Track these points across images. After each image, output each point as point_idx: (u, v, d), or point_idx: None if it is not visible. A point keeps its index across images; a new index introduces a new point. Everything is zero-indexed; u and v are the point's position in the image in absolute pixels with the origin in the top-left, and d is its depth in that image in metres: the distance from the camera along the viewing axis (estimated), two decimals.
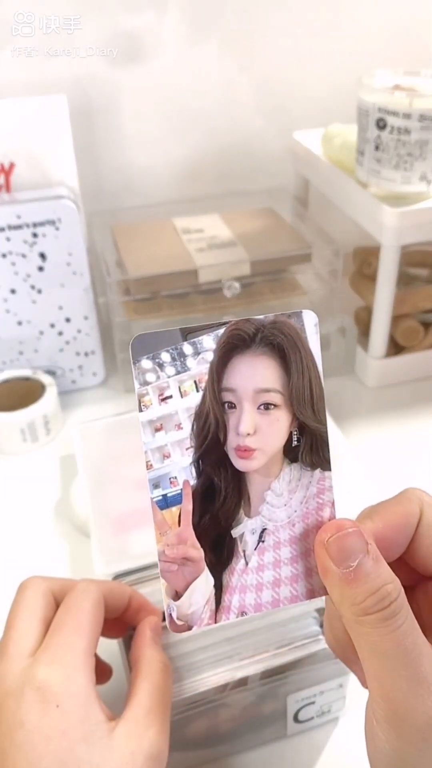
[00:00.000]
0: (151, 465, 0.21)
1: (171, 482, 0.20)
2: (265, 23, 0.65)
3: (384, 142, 0.50)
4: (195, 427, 0.21)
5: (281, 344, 0.20)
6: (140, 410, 0.21)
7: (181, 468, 0.21)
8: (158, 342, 0.20)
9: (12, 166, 0.56)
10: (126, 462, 0.45)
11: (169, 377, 0.20)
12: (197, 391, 0.20)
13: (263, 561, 0.22)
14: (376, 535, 0.23)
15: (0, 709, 0.25)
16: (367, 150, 0.52)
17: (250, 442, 0.21)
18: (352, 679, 0.35)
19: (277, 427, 0.22)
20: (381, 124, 0.50)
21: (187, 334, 0.20)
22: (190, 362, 0.21)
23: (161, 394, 0.20)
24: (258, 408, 0.21)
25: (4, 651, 0.27)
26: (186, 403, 0.21)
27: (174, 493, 0.20)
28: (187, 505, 0.21)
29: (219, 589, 0.22)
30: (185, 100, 0.67)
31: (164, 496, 0.20)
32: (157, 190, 0.70)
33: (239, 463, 0.21)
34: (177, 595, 0.22)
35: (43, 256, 0.54)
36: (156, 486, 0.20)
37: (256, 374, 0.21)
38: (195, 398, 0.21)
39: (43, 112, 0.55)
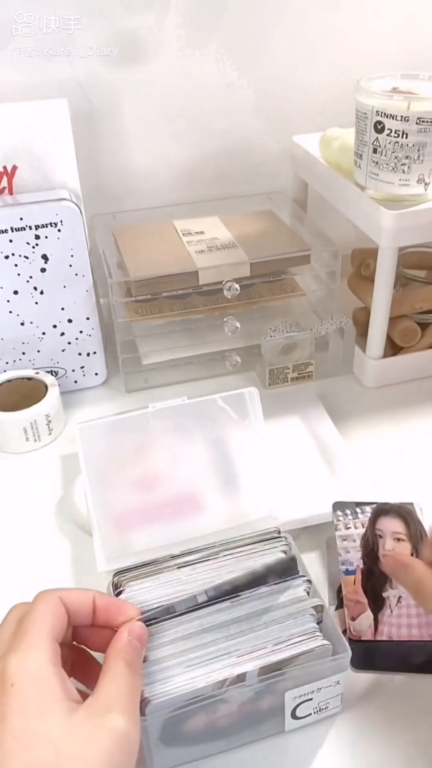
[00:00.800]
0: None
1: (351, 565, 0.41)
2: (264, 26, 0.65)
3: (382, 145, 0.51)
4: (362, 542, 0.42)
5: (405, 514, 0.43)
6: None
7: (357, 560, 0.41)
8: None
9: (14, 168, 0.57)
10: (127, 461, 0.45)
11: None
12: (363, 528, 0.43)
13: (400, 612, 0.39)
14: None
15: None
16: (365, 153, 0.53)
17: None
18: (349, 676, 0.35)
19: (404, 549, 0.42)
20: (379, 127, 0.50)
21: (357, 505, 0.45)
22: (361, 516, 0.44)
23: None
24: (394, 540, 0.42)
25: None
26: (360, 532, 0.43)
27: (352, 569, 0.41)
28: (359, 576, 0.40)
29: (375, 623, 0.39)
30: (185, 102, 0.67)
31: (347, 570, 0.41)
32: (158, 193, 0.71)
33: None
34: (353, 619, 0.39)
35: (45, 257, 0.55)
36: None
37: (393, 525, 0.43)
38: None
39: (45, 116, 0.56)
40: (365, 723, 0.35)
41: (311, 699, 0.34)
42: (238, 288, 0.59)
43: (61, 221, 0.53)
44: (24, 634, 0.28)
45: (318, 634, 0.34)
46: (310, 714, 0.35)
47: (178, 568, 0.36)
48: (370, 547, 0.41)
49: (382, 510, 0.43)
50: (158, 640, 0.33)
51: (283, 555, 0.37)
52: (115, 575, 0.37)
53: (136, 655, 0.30)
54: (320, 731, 0.36)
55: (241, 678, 0.31)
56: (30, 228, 0.53)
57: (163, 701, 0.30)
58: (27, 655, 0.27)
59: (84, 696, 0.28)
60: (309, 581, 0.36)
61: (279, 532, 0.39)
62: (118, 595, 0.35)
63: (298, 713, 0.34)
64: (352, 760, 0.34)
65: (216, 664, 0.32)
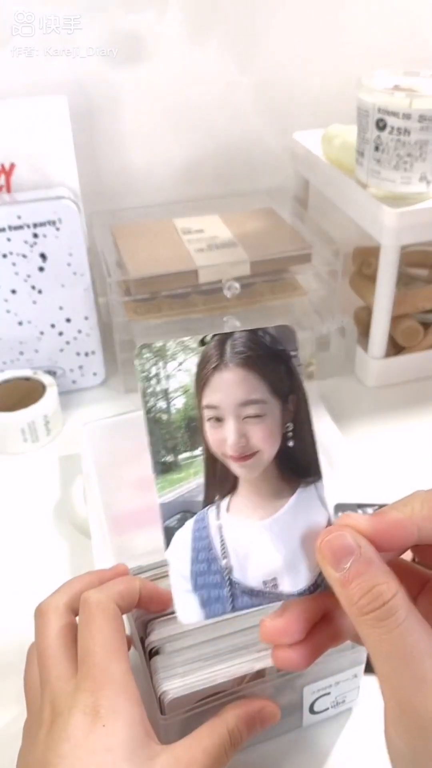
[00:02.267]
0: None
1: None
2: (265, 23, 0.65)
3: (384, 142, 0.50)
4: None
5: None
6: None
7: None
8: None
9: (12, 166, 0.56)
10: (127, 461, 0.45)
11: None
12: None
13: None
14: (380, 533, 0.23)
15: (50, 729, 0.26)
16: (366, 150, 0.52)
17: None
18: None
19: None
20: (381, 125, 0.50)
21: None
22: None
23: None
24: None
25: (47, 679, 0.28)
26: None
27: None
28: None
29: None
30: (185, 100, 0.67)
31: None
32: (158, 191, 0.70)
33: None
34: None
35: (43, 256, 0.54)
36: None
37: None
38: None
39: (44, 113, 0.56)
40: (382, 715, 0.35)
41: (329, 693, 0.33)
42: (239, 287, 0.58)
43: (60, 219, 0.53)
44: (102, 668, 0.27)
45: None
46: (328, 708, 0.34)
47: None
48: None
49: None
50: (175, 631, 0.32)
51: None
52: None
53: (242, 735, 0.29)
54: (338, 725, 0.35)
55: (260, 674, 0.31)
56: (28, 226, 0.53)
57: (182, 697, 0.30)
58: (118, 699, 0.26)
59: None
60: None
61: None
62: None
63: (316, 708, 0.34)
64: (369, 753, 0.34)
65: (236, 659, 0.31)
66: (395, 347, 0.62)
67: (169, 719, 0.30)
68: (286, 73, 0.68)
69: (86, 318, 0.58)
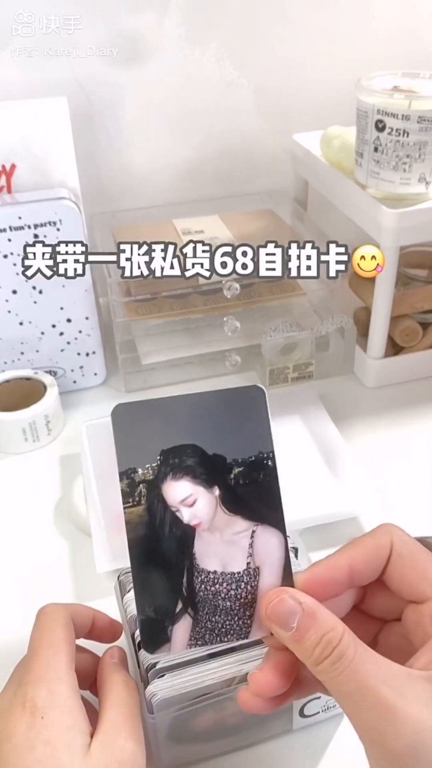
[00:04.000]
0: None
1: None
2: (264, 25, 0.65)
3: (383, 143, 0.51)
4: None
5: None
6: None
7: None
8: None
9: (13, 167, 0.56)
10: None
11: None
12: None
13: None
14: (312, 584, 0.25)
15: None
16: (366, 151, 0.52)
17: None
18: None
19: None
20: (380, 126, 0.50)
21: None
22: None
23: None
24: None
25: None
26: None
27: None
28: None
29: None
30: (185, 101, 0.67)
31: None
32: (158, 192, 0.71)
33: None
34: None
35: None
36: None
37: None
38: None
39: (44, 114, 0.56)
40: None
41: (319, 697, 0.33)
42: (238, 287, 0.58)
43: (60, 220, 0.53)
44: (45, 662, 0.28)
45: None
46: (318, 712, 0.34)
47: None
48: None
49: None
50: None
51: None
52: (120, 575, 0.36)
53: (128, 676, 0.31)
54: (328, 730, 0.35)
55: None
56: (29, 227, 0.53)
57: (170, 698, 0.30)
58: (56, 689, 0.27)
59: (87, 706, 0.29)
60: None
61: None
62: (126, 594, 0.35)
63: (306, 711, 0.34)
64: (359, 759, 0.34)
65: (224, 661, 0.31)
66: (394, 347, 0.62)
67: (158, 719, 0.30)
68: (285, 74, 0.68)
69: (87, 318, 0.58)
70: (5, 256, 0.54)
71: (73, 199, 0.55)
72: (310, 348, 0.61)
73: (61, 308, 0.57)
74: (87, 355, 0.60)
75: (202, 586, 0.25)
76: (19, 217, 0.52)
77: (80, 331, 0.59)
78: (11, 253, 0.54)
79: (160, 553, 0.25)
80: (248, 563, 0.26)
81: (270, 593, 0.25)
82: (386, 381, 0.61)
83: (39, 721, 0.26)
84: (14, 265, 0.54)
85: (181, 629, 0.25)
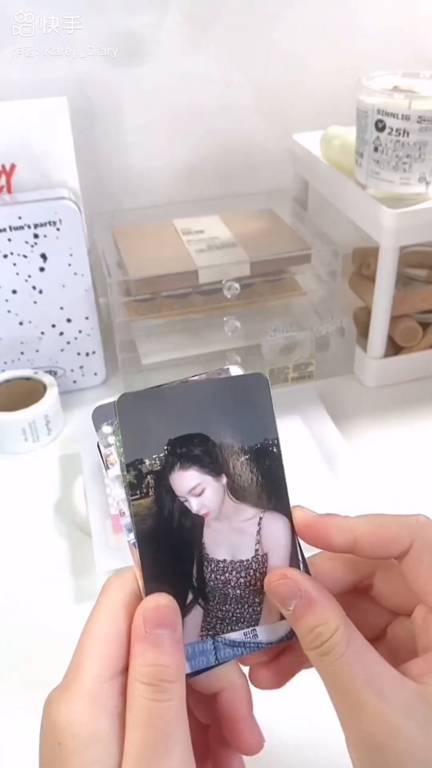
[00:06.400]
0: (124, 513, 0.25)
1: None
2: (264, 25, 0.65)
3: (383, 143, 0.51)
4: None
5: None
6: (107, 468, 0.25)
7: None
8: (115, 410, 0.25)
9: (13, 167, 0.56)
10: None
11: None
12: None
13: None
14: (310, 527, 0.25)
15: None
16: (366, 151, 0.52)
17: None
18: None
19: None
20: (380, 126, 0.50)
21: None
22: None
23: None
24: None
25: None
26: None
27: None
28: None
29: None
30: (185, 101, 0.67)
31: None
32: (158, 191, 0.71)
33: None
34: None
35: (44, 256, 0.54)
36: (130, 530, 0.24)
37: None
38: None
39: (44, 114, 0.56)
40: None
41: None
42: (238, 287, 0.58)
43: (60, 220, 0.53)
44: (75, 669, 0.22)
45: None
46: None
47: None
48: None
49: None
50: None
51: None
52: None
53: (159, 670, 0.22)
54: None
55: None
56: (29, 227, 0.53)
57: None
58: (77, 709, 0.21)
59: None
60: None
61: None
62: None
63: None
64: None
65: None
66: (394, 347, 0.62)
67: None
68: (285, 74, 0.68)
69: (87, 318, 0.58)
70: (5, 256, 0.54)
71: (73, 198, 0.55)
72: (310, 348, 0.61)
73: (61, 308, 0.57)
74: (87, 355, 0.60)
75: (212, 576, 0.25)
76: (19, 217, 0.52)
77: (80, 331, 0.59)
78: (11, 253, 0.54)
79: (169, 544, 0.25)
80: (256, 550, 0.25)
81: (273, 573, 0.25)
82: (386, 381, 0.61)
83: (56, 748, 0.21)
84: (14, 265, 0.54)
85: (193, 620, 0.25)
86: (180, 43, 0.64)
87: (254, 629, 0.25)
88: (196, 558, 0.25)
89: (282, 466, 0.26)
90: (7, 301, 0.56)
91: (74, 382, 0.61)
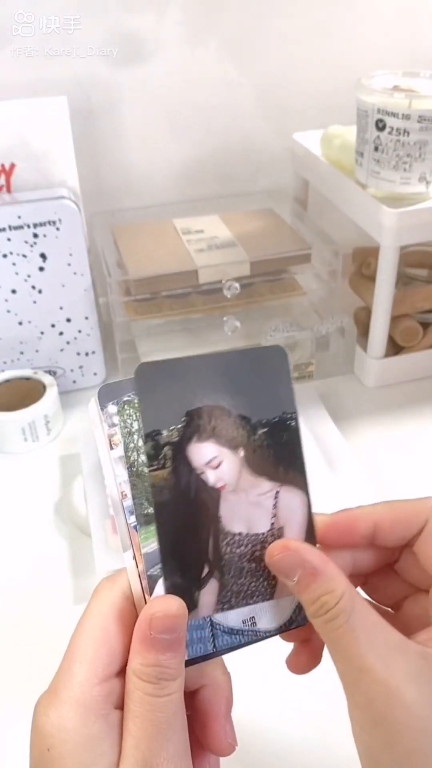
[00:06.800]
0: (126, 494, 0.24)
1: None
2: (264, 24, 0.65)
3: (383, 143, 0.51)
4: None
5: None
6: (111, 448, 0.24)
7: None
8: (122, 390, 0.24)
9: (12, 166, 0.56)
10: None
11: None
12: None
13: None
14: (332, 526, 0.25)
15: None
16: (366, 151, 0.52)
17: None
18: None
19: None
20: (380, 125, 0.50)
21: None
22: None
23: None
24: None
25: None
26: None
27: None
28: None
29: None
30: (185, 100, 0.67)
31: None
32: (158, 191, 0.71)
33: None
34: None
35: (43, 256, 0.54)
36: (132, 513, 0.24)
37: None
38: None
39: (44, 113, 0.56)
40: None
41: None
42: (238, 287, 0.58)
43: (60, 220, 0.53)
44: (64, 673, 0.22)
45: None
46: None
47: None
48: None
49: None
50: None
51: None
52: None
53: (159, 673, 0.22)
54: None
55: None
56: (28, 226, 0.53)
57: None
58: (65, 714, 0.21)
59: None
60: None
61: None
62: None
63: None
64: None
65: None
66: (394, 347, 0.62)
67: None
68: (286, 73, 0.68)
69: (86, 318, 0.58)
70: (5, 256, 0.54)
71: (72, 198, 0.55)
72: (310, 348, 0.61)
73: (61, 308, 0.57)
74: (87, 354, 0.60)
75: (228, 549, 0.25)
76: (19, 217, 0.52)
77: (80, 331, 0.59)
78: (11, 253, 0.54)
79: (186, 516, 0.24)
80: (272, 524, 0.25)
81: (273, 546, 0.24)
82: (386, 381, 0.61)
83: (45, 754, 0.21)
84: (14, 264, 0.54)
85: (209, 593, 0.24)
86: (180, 43, 0.64)
87: (253, 617, 0.25)
88: (212, 531, 0.25)
89: (300, 441, 0.26)
90: (6, 300, 0.56)
91: (74, 382, 0.61)
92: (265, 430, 0.25)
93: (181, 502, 0.24)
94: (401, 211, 0.51)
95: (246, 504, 0.25)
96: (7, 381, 0.57)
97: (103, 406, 0.24)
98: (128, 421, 0.24)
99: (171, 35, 0.63)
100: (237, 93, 0.68)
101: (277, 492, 0.25)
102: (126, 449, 0.24)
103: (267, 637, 0.25)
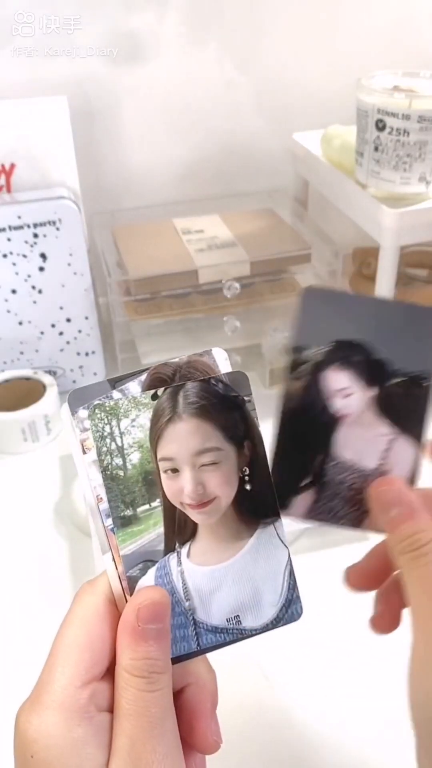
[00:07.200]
0: (101, 498, 0.24)
1: None
2: (264, 24, 0.65)
3: (383, 143, 0.51)
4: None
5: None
6: (83, 452, 0.24)
7: None
8: (92, 394, 0.24)
9: (13, 166, 0.56)
10: None
11: None
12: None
13: None
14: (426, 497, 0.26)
15: None
16: (366, 151, 0.52)
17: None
18: None
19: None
20: (380, 125, 0.50)
21: (115, 383, 0.25)
22: None
23: None
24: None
25: None
26: None
27: None
28: None
29: None
30: (185, 100, 0.67)
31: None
32: (158, 191, 0.70)
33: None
34: None
35: (43, 256, 0.54)
36: (108, 515, 0.24)
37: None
38: None
39: (44, 113, 0.56)
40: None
41: None
42: (238, 287, 0.58)
43: (60, 220, 0.53)
44: (46, 678, 0.22)
45: None
46: None
47: None
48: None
49: (156, 383, 0.26)
50: None
51: None
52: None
53: (149, 666, 0.22)
54: None
55: None
56: (28, 226, 0.53)
57: None
58: (47, 719, 0.21)
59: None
60: None
61: None
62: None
63: None
64: None
65: None
66: None
67: None
68: (285, 73, 0.68)
69: (86, 318, 0.58)
70: (5, 256, 0.54)
71: (72, 198, 0.55)
72: None
73: (61, 308, 0.57)
74: (86, 354, 0.60)
75: (332, 471, 0.26)
76: (19, 217, 0.52)
77: (80, 331, 0.59)
78: (11, 253, 0.54)
79: (304, 428, 0.26)
80: (380, 464, 0.27)
81: (381, 479, 0.26)
82: None
83: (29, 761, 0.21)
84: (14, 264, 0.54)
85: (303, 501, 0.26)
86: (180, 43, 0.64)
87: (237, 616, 0.25)
88: (323, 450, 0.26)
89: (428, 402, 0.27)
90: (6, 300, 0.56)
91: (74, 381, 0.61)
92: (401, 380, 0.27)
93: (304, 416, 0.26)
94: (401, 211, 0.51)
95: (362, 439, 0.26)
96: (7, 381, 0.57)
97: (74, 411, 0.24)
98: (100, 424, 0.24)
99: (171, 35, 0.63)
100: (237, 93, 0.68)
101: (394, 439, 0.27)
102: (99, 453, 0.24)
103: (251, 636, 0.25)
